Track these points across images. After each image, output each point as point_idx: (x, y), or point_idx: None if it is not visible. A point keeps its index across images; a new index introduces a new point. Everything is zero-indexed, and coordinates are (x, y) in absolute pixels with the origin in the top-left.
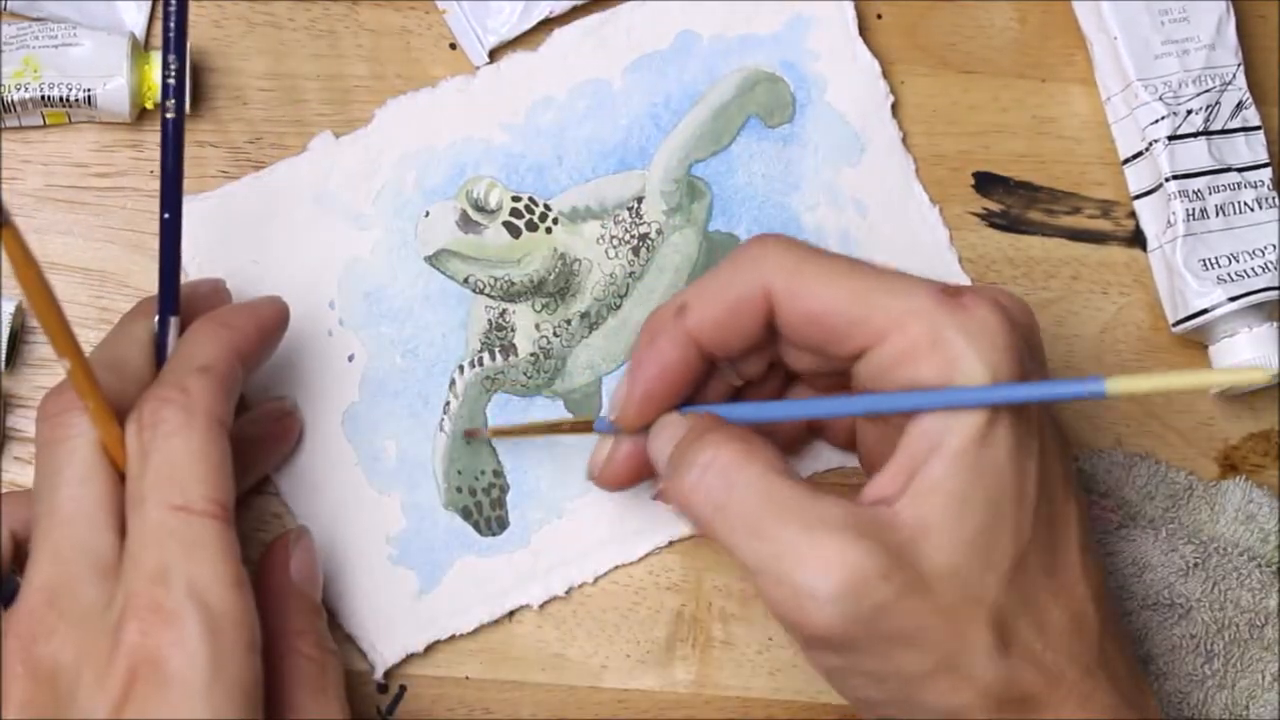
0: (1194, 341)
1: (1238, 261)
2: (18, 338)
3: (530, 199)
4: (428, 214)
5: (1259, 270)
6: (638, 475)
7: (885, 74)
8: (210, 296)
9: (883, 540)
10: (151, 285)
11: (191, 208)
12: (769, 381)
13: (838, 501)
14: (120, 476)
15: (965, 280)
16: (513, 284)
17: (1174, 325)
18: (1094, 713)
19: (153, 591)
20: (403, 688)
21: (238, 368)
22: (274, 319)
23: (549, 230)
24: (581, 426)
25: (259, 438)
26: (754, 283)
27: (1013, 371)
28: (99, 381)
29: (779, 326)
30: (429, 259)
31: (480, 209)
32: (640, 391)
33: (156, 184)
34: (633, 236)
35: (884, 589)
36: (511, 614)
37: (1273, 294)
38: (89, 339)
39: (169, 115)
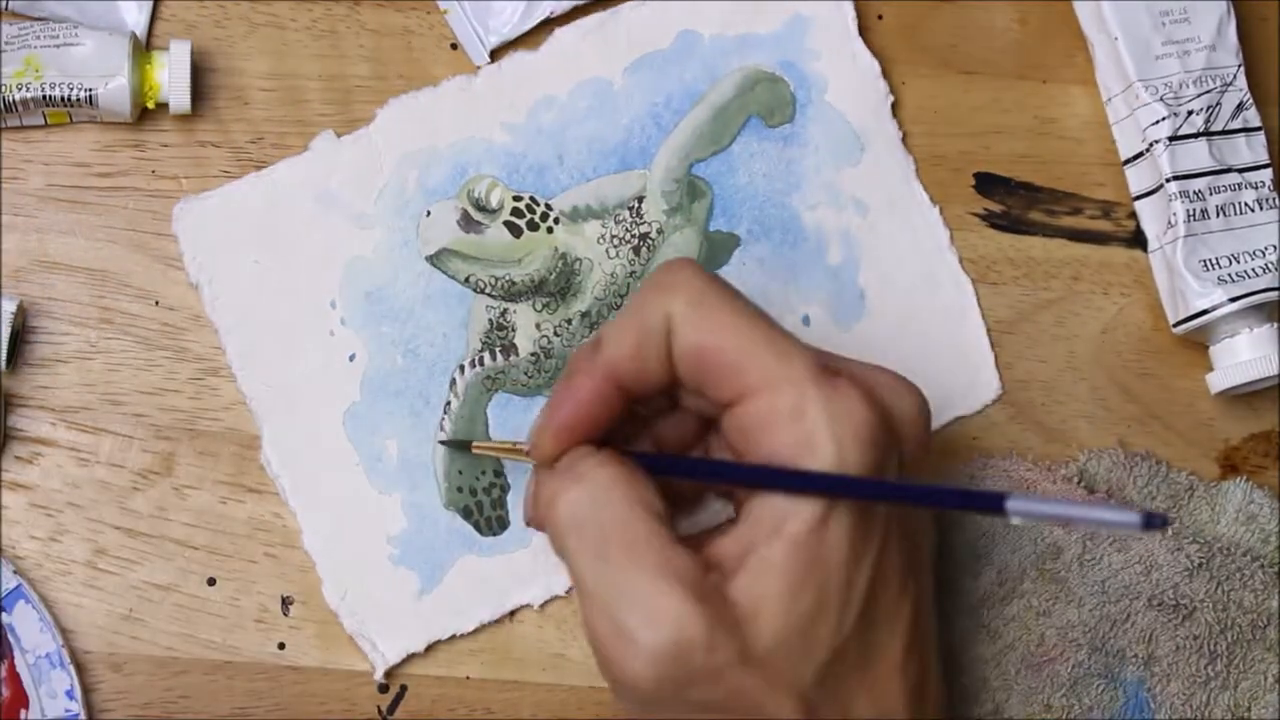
0: (1195, 342)
1: (1238, 262)
2: (18, 338)
3: (531, 198)
4: (429, 213)
5: (1259, 271)
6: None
7: (886, 74)
8: None
9: (716, 609)
10: (152, 285)
11: (192, 207)
12: (682, 423)
13: (691, 559)
14: None
15: (966, 282)
16: (514, 283)
17: (1175, 325)
18: None
19: None
20: (404, 688)
21: None
22: None
23: (550, 230)
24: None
25: None
26: (659, 311)
27: (864, 464)
28: None
29: (673, 357)
30: (430, 259)
31: (481, 209)
32: (555, 425)
33: (158, 184)
34: (633, 236)
35: (705, 659)
36: (512, 614)
37: (1273, 294)
38: (89, 339)
39: None
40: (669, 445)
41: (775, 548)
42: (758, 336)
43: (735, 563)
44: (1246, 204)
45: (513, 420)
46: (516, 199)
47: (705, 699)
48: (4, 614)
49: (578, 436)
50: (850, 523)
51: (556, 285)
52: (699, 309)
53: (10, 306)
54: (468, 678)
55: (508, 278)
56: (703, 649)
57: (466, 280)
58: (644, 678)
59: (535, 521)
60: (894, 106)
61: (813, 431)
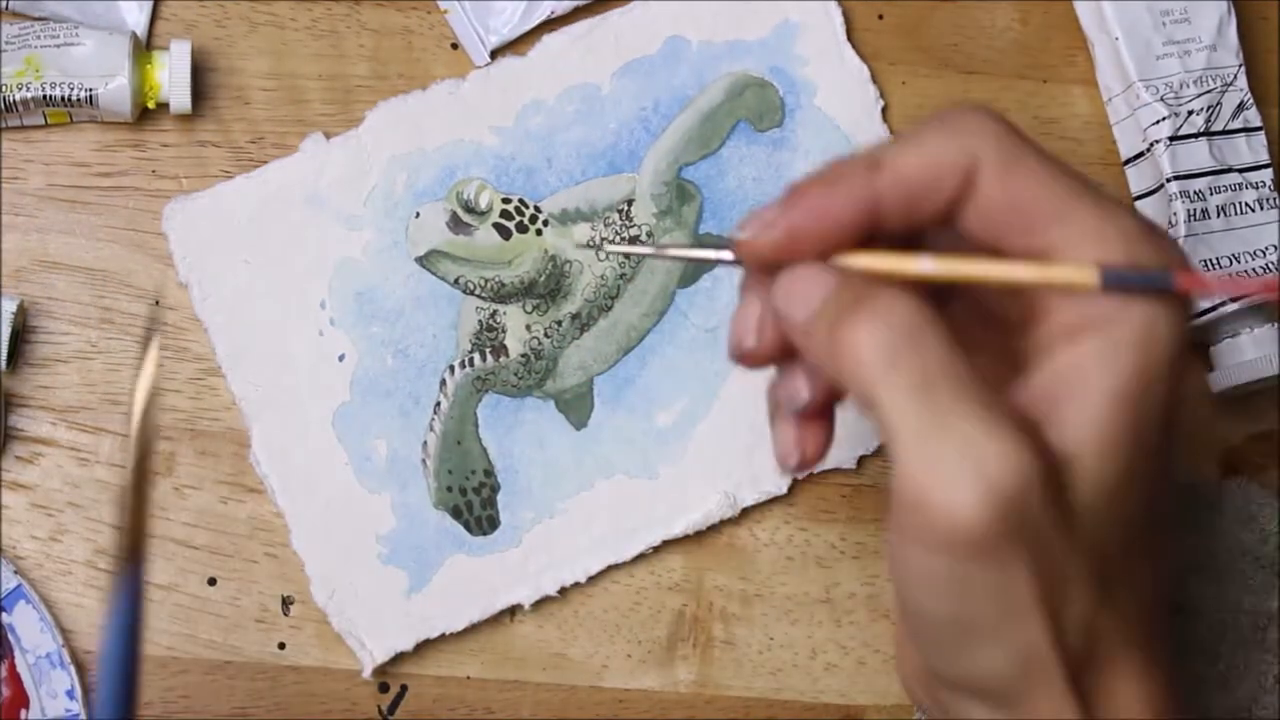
0: (1195, 342)
1: (1239, 262)
2: (18, 337)
3: (520, 200)
4: (418, 215)
5: (1260, 271)
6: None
7: (887, 74)
8: None
9: (1044, 456)
10: (152, 285)
11: (182, 206)
12: None
13: (1008, 402)
14: None
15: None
16: (503, 285)
17: None
18: (1147, 693)
19: None
20: (404, 687)
21: None
22: None
23: (539, 232)
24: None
25: None
26: (962, 152)
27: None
28: None
29: (968, 204)
30: (420, 260)
31: (470, 210)
32: (789, 223)
33: (158, 183)
34: (623, 239)
35: (1036, 504)
36: (512, 614)
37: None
38: (90, 338)
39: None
40: None
41: (1097, 402)
42: (1075, 191)
43: (1043, 413)
44: (1247, 204)
45: (503, 421)
46: (506, 201)
47: (1027, 550)
48: (4, 614)
49: (807, 243)
50: (1169, 379)
51: (546, 287)
52: (1014, 157)
53: (10, 306)
54: (468, 678)
55: (497, 279)
56: (1039, 491)
57: (456, 281)
58: (977, 522)
59: (745, 357)
60: (884, 111)
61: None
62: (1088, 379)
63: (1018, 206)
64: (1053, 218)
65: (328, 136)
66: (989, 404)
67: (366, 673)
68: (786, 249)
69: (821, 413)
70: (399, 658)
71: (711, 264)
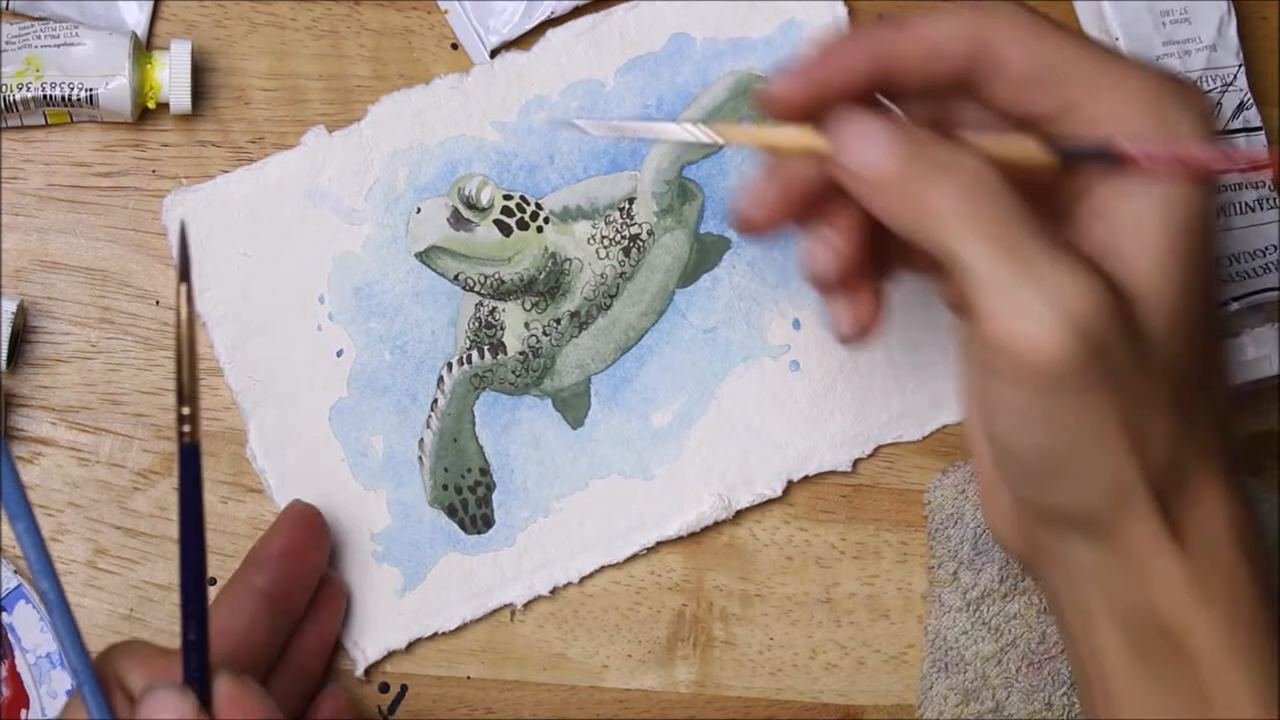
0: None
1: (1239, 262)
2: (19, 337)
3: (522, 197)
4: (419, 210)
5: (1260, 271)
6: (784, 214)
7: None
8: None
9: (1118, 292)
10: (152, 285)
11: (183, 199)
12: None
13: (1071, 241)
14: None
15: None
16: (503, 282)
17: None
18: (1231, 516)
19: None
20: (404, 687)
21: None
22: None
23: (540, 229)
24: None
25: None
26: (973, 25)
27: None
28: None
29: (987, 74)
30: (419, 255)
31: (471, 206)
32: (820, 73)
33: (158, 184)
34: (624, 237)
35: (1116, 336)
36: (512, 614)
37: (1274, 294)
38: (90, 338)
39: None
40: None
41: (1154, 242)
42: (1100, 54)
43: (1104, 261)
44: (1247, 204)
45: (499, 419)
46: (507, 198)
47: (1109, 376)
48: (4, 614)
49: (826, 93)
50: (1212, 227)
51: (546, 285)
52: (1039, 29)
53: (10, 306)
54: (468, 678)
55: (497, 276)
56: (1116, 319)
57: (456, 278)
58: (1060, 351)
59: (748, 223)
60: None
61: (1175, 123)
62: (1145, 225)
63: (1044, 72)
64: (1079, 79)
65: (329, 130)
66: (1063, 246)
67: (359, 671)
68: (810, 95)
69: (863, 281)
70: (398, 658)
71: (700, 201)
